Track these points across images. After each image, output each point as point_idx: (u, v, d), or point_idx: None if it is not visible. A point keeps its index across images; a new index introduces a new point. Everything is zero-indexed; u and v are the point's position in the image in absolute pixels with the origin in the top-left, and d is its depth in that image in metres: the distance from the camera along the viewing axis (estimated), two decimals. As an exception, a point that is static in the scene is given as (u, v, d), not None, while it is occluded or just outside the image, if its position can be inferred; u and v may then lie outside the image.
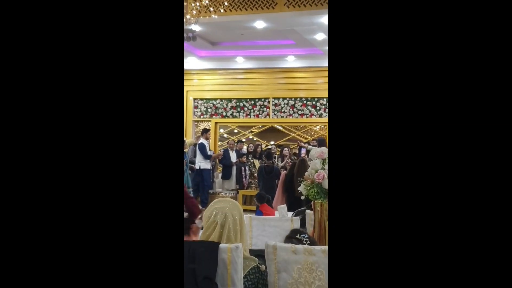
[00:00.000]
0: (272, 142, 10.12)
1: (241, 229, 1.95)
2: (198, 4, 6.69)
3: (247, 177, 8.58)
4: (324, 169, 2.69)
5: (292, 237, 2.36)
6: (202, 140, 8.48)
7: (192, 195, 6.76)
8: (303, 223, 3.30)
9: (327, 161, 2.75)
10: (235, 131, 10.81)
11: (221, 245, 1.85)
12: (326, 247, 1.97)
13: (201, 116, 10.81)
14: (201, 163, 8.22)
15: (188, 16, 6.65)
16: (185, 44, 8.24)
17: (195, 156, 8.49)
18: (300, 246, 1.96)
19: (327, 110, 9.95)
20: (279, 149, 9.20)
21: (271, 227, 3.24)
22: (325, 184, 2.66)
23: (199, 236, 2.16)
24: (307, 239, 2.31)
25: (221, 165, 9.06)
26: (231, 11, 7.16)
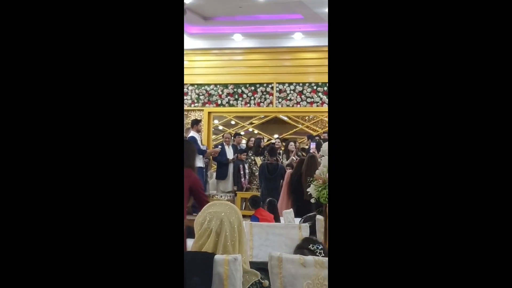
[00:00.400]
0: (276, 136, 9.74)
1: (240, 237, 1.83)
2: None
3: (247, 177, 8.17)
4: None
5: (304, 247, 2.29)
6: (192, 133, 7.98)
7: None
8: (313, 230, 3.29)
9: None
10: (232, 122, 10.54)
11: (217, 257, 1.77)
12: None
13: (192, 105, 10.28)
14: (191, 160, 7.51)
15: None
16: None
17: (184, 152, 7.81)
18: (310, 258, 1.89)
19: None
20: (284, 144, 8.85)
21: (276, 235, 3.14)
22: None
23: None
24: (322, 250, 2.24)
25: (216, 163, 8.75)
26: None
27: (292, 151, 8.17)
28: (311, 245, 2.27)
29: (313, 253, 2.15)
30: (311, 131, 9.52)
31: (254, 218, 5.06)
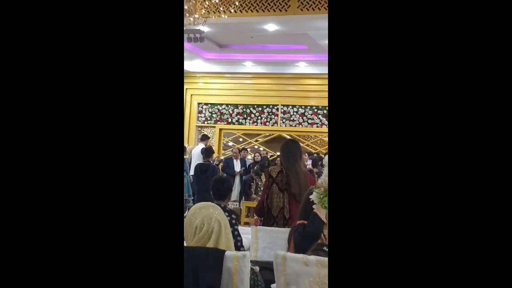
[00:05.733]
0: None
1: (228, 234, 1.97)
2: (207, 3, 6.54)
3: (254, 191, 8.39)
4: None
5: (319, 249, 2.25)
6: (201, 145, 8.80)
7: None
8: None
9: None
10: (240, 139, 10.84)
11: (227, 253, 1.85)
12: None
13: (205, 122, 10.81)
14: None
15: (196, 16, 6.56)
16: (192, 45, 8.47)
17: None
18: (312, 257, 1.92)
19: None
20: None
21: (280, 239, 3.11)
22: None
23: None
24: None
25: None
26: (241, 12, 7.01)
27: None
28: (325, 247, 2.31)
29: (325, 253, 2.17)
30: (311, 149, 9.81)
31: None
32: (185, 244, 2.00)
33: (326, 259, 1.84)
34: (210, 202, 2.21)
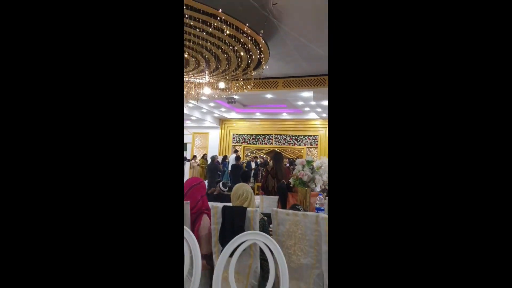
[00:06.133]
0: (269, 158, 10.78)
1: (253, 200, 2.25)
2: (237, 84, 6.74)
3: (260, 177, 9.16)
4: (304, 171, 2.91)
5: (293, 207, 2.60)
6: (233, 156, 10.03)
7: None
8: (284, 199, 3.37)
9: (306, 166, 2.94)
10: (254, 151, 11.97)
11: (248, 209, 2.08)
12: (306, 212, 2.10)
13: (236, 143, 12.31)
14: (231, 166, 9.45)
15: (232, 91, 7.01)
16: (229, 105, 9.86)
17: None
18: (290, 211, 2.08)
19: (303, 142, 11.31)
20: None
21: (273, 201, 3.52)
22: (304, 179, 2.90)
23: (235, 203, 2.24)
24: (300, 208, 2.60)
25: (247, 169, 9.81)
26: (254, 89, 7.55)
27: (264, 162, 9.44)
28: (297, 206, 2.61)
29: (298, 209, 2.35)
30: (288, 156, 10.69)
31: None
32: (231, 204, 2.17)
33: (296, 212, 2.06)
34: (243, 183, 2.50)
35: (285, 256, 1.33)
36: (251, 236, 1.43)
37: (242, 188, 2.25)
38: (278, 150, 10.35)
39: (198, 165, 10.70)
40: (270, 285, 1.32)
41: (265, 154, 11.67)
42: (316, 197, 2.76)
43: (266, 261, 1.37)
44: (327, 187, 2.92)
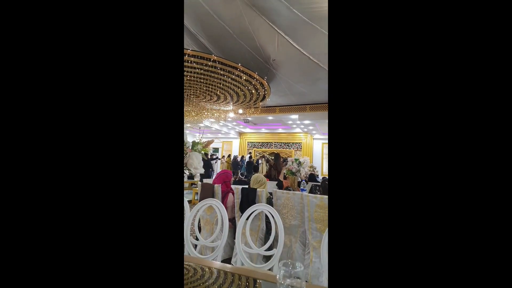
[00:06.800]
0: (272, 157, 9.34)
1: (265, 184, 2.32)
2: (250, 111, 6.29)
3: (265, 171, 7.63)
4: (293, 165, 2.92)
5: (287, 189, 2.58)
6: (248, 157, 9.93)
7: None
8: (280, 184, 3.30)
9: (294, 162, 2.95)
10: (260, 153, 11.44)
11: (258, 189, 2.14)
12: (294, 191, 2.07)
13: (250, 148, 11.77)
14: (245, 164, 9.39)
15: (247, 114, 6.67)
16: (245, 123, 9.38)
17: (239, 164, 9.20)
18: (285, 191, 2.07)
19: (291, 146, 10.76)
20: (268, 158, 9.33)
21: (274, 185, 3.37)
22: (293, 170, 2.96)
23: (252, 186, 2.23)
24: (291, 189, 2.56)
25: (256, 164, 9.15)
26: (260, 113, 7.28)
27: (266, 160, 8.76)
28: (290, 188, 2.60)
29: (289, 190, 2.19)
30: (283, 156, 9.95)
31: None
32: (247, 187, 2.20)
33: (288, 191, 2.03)
34: (259, 174, 2.43)
35: (281, 219, 1.47)
36: (260, 207, 1.44)
37: (260, 176, 2.35)
38: (277, 152, 10.01)
39: (226, 161, 10.87)
40: (272, 238, 1.33)
41: (268, 154, 11.37)
42: (300, 182, 2.90)
43: (269, 222, 1.43)
44: (307, 175, 2.96)
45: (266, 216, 1.81)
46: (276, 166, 4.09)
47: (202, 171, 0.71)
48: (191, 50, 3.46)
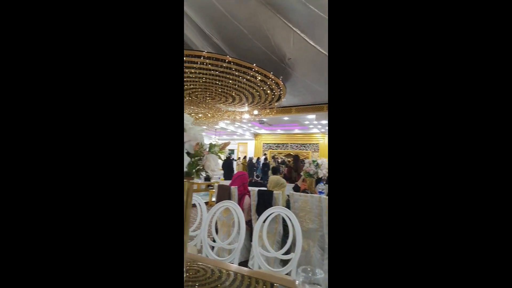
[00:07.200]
0: (288, 159, 10.56)
1: (284, 187, 2.27)
2: (265, 112, 6.51)
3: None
4: (310, 167, 2.83)
5: (304, 192, 2.52)
6: (263, 158, 10.00)
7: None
8: (297, 186, 3.08)
9: (312, 164, 2.83)
10: (276, 154, 11.51)
11: (274, 192, 2.15)
12: (312, 194, 2.08)
13: (265, 149, 11.89)
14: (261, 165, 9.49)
15: (262, 115, 6.85)
16: (260, 125, 9.45)
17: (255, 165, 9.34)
18: (302, 194, 2.08)
19: (308, 148, 10.65)
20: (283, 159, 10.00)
21: (291, 187, 3.26)
22: (311, 172, 2.83)
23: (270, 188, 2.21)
24: (309, 192, 2.53)
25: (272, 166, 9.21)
26: (276, 114, 7.08)
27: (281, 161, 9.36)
28: (306, 191, 2.51)
29: (307, 193, 2.20)
30: (302, 158, 7.90)
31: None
32: (267, 189, 2.18)
33: (306, 194, 2.04)
34: (278, 176, 2.39)
35: (299, 223, 1.33)
36: (277, 210, 1.43)
37: (280, 179, 2.30)
38: (295, 154, 9.58)
39: (242, 163, 10.89)
40: (290, 242, 1.31)
41: (283, 156, 11.30)
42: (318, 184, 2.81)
43: (287, 226, 1.41)
44: (325, 177, 2.84)
45: (283, 219, 1.76)
46: (297, 168, 4.08)
47: (220, 173, 0.70)
48: (206, 52, 3.45)
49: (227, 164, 7.59)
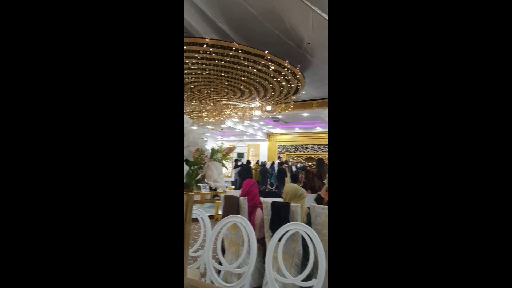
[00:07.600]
0: (313, 163, 10.48)
1: (303, 198, 2.18)
2: (280, 106, 6.54)
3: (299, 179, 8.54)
4: None
5: (327, 204, 2.46)
6: (277, 162, 10.04)
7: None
8: (319, 198, 3.12)
9: None
10: (294, 158, 11.70)
11: (292, 204, 2.09)
12: None
13: (281, 152, 11.99)
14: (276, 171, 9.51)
15: (276, 112, 6.93)
16: (274, 123, 9.70)
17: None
18: (325, 207, 2.03)
19: None
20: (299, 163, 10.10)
21: (311, 198, 3.22)
22: None
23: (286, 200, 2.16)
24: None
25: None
26: (293, 109, 7.25)
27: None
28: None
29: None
30: (326, 162, 8.75)
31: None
32: (282, 200, 2.16)
33: (326, 206, 2.01)
34: (297, 185, 2.30)
35: (322, 242, 1.30)
36: (294, 226, 1.40)
37: (299, 189, 2.19)
38: (319, 157, 8.74)
39: (254, 168, 10.71)
40: (311, 265, 1.29)
41: (303, 159, 11.36)
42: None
43: (307, 245, 1.34)
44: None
45: (303, 237, 1.71)
46: (321, 174, 4.02)
47: (223, 184, 0.69)
48: (210, 39, 3.50)
49: (246, 170, 7.50)
